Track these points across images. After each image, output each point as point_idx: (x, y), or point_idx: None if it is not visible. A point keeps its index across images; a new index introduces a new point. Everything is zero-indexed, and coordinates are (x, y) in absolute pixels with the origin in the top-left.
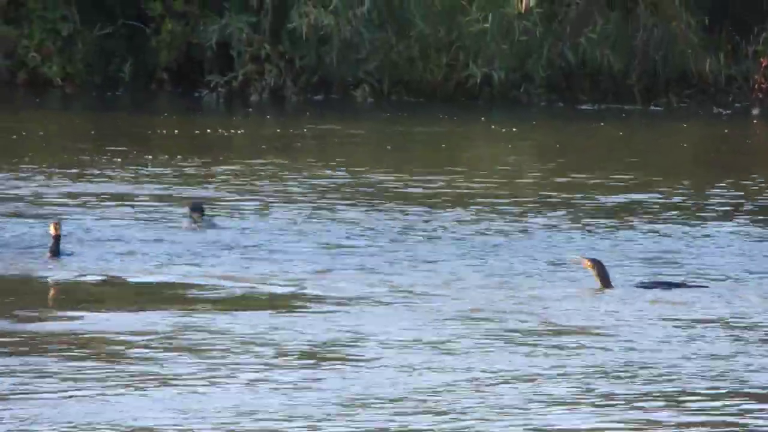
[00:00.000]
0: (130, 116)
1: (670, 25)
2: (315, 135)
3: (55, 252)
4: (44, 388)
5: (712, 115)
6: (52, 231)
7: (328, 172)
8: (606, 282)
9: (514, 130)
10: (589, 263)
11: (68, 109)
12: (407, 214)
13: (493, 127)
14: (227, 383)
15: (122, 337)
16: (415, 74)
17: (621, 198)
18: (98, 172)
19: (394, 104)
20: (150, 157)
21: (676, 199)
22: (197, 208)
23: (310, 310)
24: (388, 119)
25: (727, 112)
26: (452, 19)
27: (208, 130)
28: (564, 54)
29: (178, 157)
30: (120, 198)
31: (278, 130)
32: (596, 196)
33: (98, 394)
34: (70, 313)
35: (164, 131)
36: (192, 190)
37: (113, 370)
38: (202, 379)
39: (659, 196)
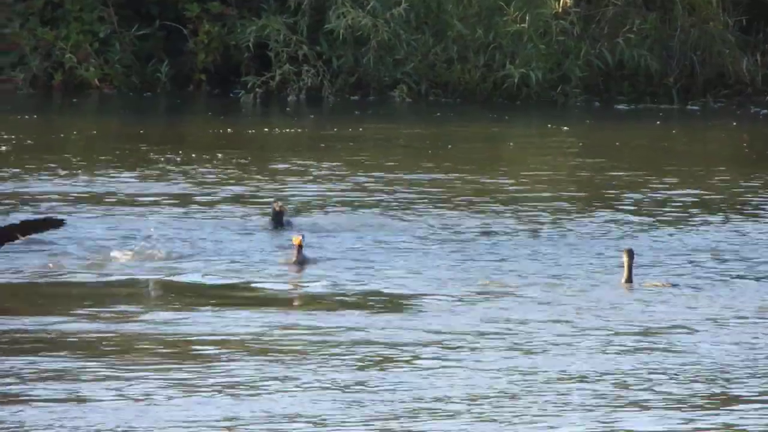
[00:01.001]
0: (169, 118)
1: (708, 26)
2: (357, 135)
3: (301, 261)
4: (131, 392)
5: (749, 114)
6: (295, 241)
7: (373, 172)
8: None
9: (552, 129)
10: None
11: (106, 111)
12: (456, 214)
13: (531, 127)
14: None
15: (211, 338)
16: (453, 75)
17: (666, 194)
18: (157, 172)
19: (431, 105)
20: (206, 156)
21: (717, 196)
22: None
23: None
24: (426, 120)
25: (765, 111)
26: (489, 20)
27: (250, 131)
28: (601, 54)
29: (219, 156)
30: (183, 198)
31: (320, 131)
32: (641, 194)
33: (186, 396)
34: (161, 315)
35: (209, 132)
36: (244, 190)
37: (204, 373)
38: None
39: (700, 192)
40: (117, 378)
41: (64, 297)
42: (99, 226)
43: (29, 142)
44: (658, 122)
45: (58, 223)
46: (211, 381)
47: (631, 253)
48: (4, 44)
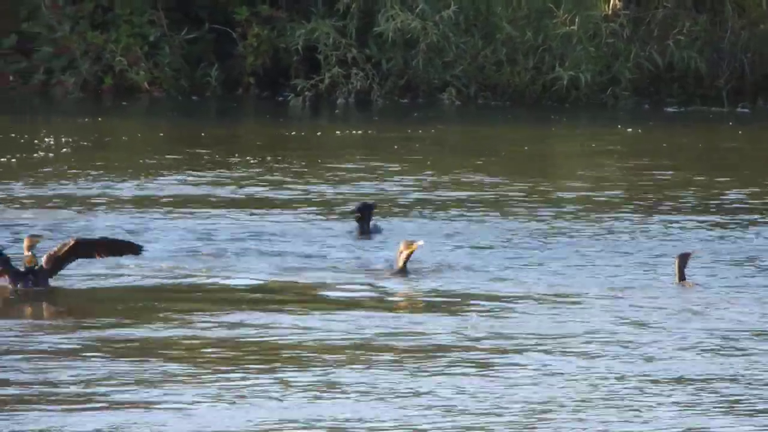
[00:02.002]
0: (223, 121)
1: (758, 27)
2: (411, 137)
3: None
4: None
5: None
6: (403, 248)
7: (436, 174)
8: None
9: (602, 131)
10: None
11: (157, 115)
12: (514, 217)
13: (580, 129)
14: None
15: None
16: (502, 78)
17: (721, 196)
18: (226, 176)
19: (480, 107)
20: (269, 159)
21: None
22: (365, 208)
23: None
24: (476, 122)
25: None
26: (539, 22)
27: (303, 133)
28: (651, 56)
29: (280, 158)
30: (256, 201)
31: (375, 132)
32: (695, 196)
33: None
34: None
35: (266, 134)
36: (315, 192)
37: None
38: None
39: (753, 193)
40: (214, 382)
41: (169, 301)
42: (181, 230)
43: (85, 143)
44: (708, 124)
45: (137, 249)
46: (308, 382)
47: (682, 257)
48: (54, 48)
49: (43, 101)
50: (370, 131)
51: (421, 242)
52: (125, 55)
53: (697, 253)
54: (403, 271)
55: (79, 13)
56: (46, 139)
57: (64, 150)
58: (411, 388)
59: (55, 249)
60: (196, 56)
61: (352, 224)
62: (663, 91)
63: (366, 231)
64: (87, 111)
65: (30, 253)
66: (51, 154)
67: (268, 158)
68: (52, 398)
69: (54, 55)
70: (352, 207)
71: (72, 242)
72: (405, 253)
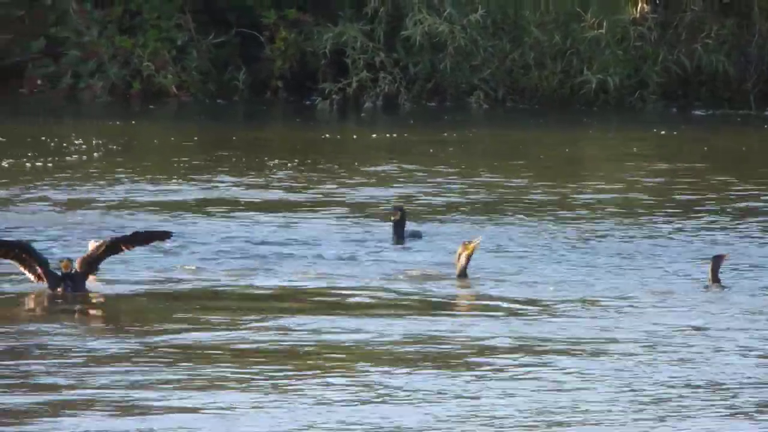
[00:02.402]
0: (248, 124)
1: None
2: (447, 141)
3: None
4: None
5: None
6: (462, 250)
7: (468, 177)
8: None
9: (630, 134)
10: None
11: (184, 118)
12: (551, 221)
13: (612, 133)
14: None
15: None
16: (530, 81)
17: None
18: (265, 179)
19: (509, 111)
20: (299, 162)
21: None
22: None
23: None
24: (505, 126)
25: None
26: (567, 26)
27: (337, 136)
28: (679, 60)
29: (310, 161)
30: (291, 205)
31: (407, 136)
32: (726, 200)
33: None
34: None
35: (292, 138)
36: (353, 195)
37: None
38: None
39: None
40: (258, 386)
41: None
42: (220, 233)
43: (115, 147)
44: (736, 128)
45: (164, 235)
46: (353, 385)
47: (716, 259)
48: (82, 52)
49: (71, 105)
50: (398, 135)
51: (478, 240)
52: (153, 60)
53: (728, 257)
54: (465, 275)
55: (107, 18)
56: (76, 142)
57: (95, 154)
58: (455, 392)
59: (89, 251)
60: (223, 60)
61: (387, 229)
62: (691, 95)
63: (401, 236)
64: (115, 115)
65: (66, 258)
66: (84, 157)
67: (297, 161)
68: (98, 403)
69: (82, 60)
70: (389, 208)
71: (108, 240)
72: (465, 254)
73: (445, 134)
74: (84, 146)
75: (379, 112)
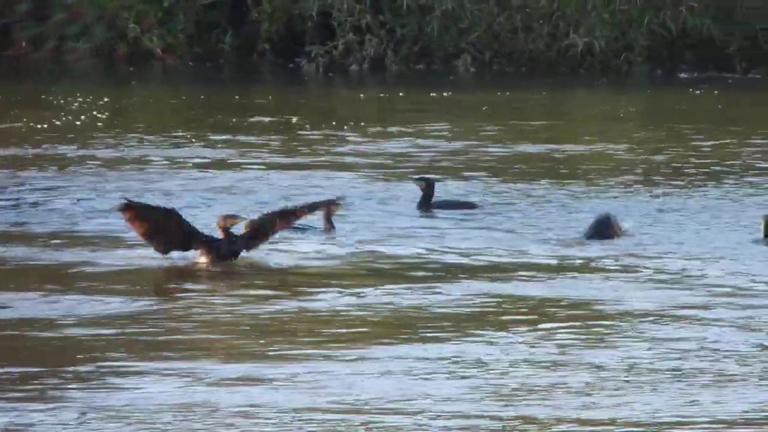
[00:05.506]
0: (234, 87)
1: None
2: (435, 102)
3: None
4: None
5: None
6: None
7: (462, 140)
8: None
9: (617, 97)
10: None
11: (173, 81)
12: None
13: (597, 95)
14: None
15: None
16: (517, 44)
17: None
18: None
19: (496, 74)
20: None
21: None
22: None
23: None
24: (491, 88)
25: None
26: None
27: (333, 100)
28: (665, 23)
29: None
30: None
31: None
32: (707, 162)
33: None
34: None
35: (284, 101)
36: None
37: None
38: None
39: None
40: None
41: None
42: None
43: (109, 110)
44: (719, 91)
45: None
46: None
47: None
48: (67, 14)
49: (56, 67)
50: (386, 95)
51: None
52: (139, 22)
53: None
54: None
55: None
56: (75, 104)
57: (89, 115)
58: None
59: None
60: (210, 23)
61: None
62: (677, 58)
63: (427, 207)
64: (102, 78)
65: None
66: (77, 119)
67: (295, 121)
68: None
69: (67, 22)
70: (419, 177)
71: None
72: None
73: (435, 95)
74: (77, 107)
75: (365, 74)
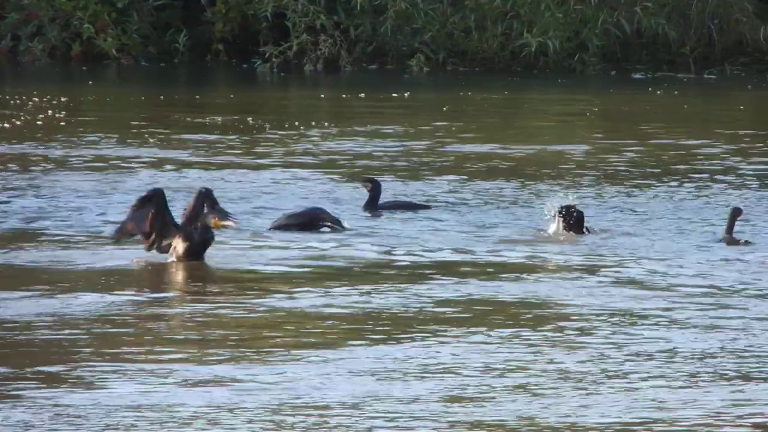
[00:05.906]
0: (189, 87)
1: None
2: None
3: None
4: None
5: (766, 82)
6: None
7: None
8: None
9: (570, 97)
10: None
11: (128, 81)
12: (507, 185)
13: (550, 95)
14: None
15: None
16: (471, 44)
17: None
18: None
19: (449, 74)
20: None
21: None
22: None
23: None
24: (445, 89)
25: None
26: None
27: (288, 100)
28: (619, 23)
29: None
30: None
31: (364, 99)
32: (666, 162)
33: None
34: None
35: (240, 100)
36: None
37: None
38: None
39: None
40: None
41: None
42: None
43: (64, 109)
44: (675, 91)
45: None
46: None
47: (735, 211)
48: (22, 15)
49: (12, 68)
50: (341, 95)
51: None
52: (93, 22)
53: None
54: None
55: None
56: (30, 104)
57: (47, 114)
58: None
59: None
60: (164, 23)
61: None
62: (631, 58)
63: (373, 207)
64: (57, 77)
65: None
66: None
67: (250, 120)
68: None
69: (22, 22)
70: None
71: None
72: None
73: (392, 95)
74: (32, 107)
75: (320, 75)
